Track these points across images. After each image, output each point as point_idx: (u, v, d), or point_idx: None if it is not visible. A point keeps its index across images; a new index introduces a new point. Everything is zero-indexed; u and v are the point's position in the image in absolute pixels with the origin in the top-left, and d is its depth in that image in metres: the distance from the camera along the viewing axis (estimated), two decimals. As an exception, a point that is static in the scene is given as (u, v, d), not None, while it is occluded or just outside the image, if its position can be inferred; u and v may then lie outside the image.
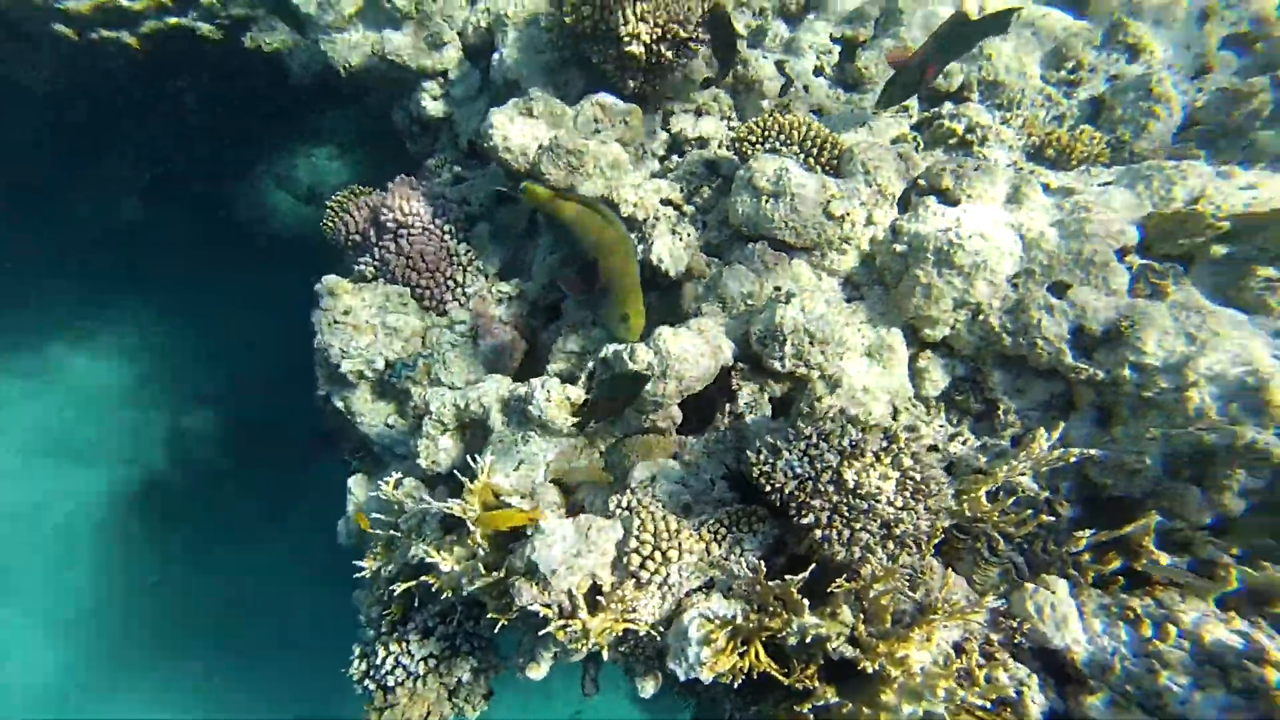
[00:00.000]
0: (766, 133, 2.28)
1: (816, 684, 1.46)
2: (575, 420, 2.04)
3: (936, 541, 1.63)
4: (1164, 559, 1.58)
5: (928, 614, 1.45)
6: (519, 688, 2.07)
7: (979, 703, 1.38)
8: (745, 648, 1.51)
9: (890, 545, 1.51)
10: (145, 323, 6.38)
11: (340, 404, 2.72)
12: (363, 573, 2.17)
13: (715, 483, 1.85)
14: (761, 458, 1.58)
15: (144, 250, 5.93)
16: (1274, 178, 1.92)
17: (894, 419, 1.97)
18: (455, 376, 2.56)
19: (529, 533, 1.85)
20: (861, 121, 2.45)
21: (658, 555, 1.65)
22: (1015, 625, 1.56)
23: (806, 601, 1.46)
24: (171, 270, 6.06)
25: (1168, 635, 1.44)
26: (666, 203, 2.40)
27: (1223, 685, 1.33)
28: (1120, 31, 2.43)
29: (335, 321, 2.63)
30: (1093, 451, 1.72)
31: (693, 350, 1.91)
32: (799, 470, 1.53)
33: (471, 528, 1.91)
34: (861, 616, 1.49)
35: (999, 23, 2.21)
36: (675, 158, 2.61)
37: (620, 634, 1.66)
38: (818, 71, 2.70)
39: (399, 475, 2.32)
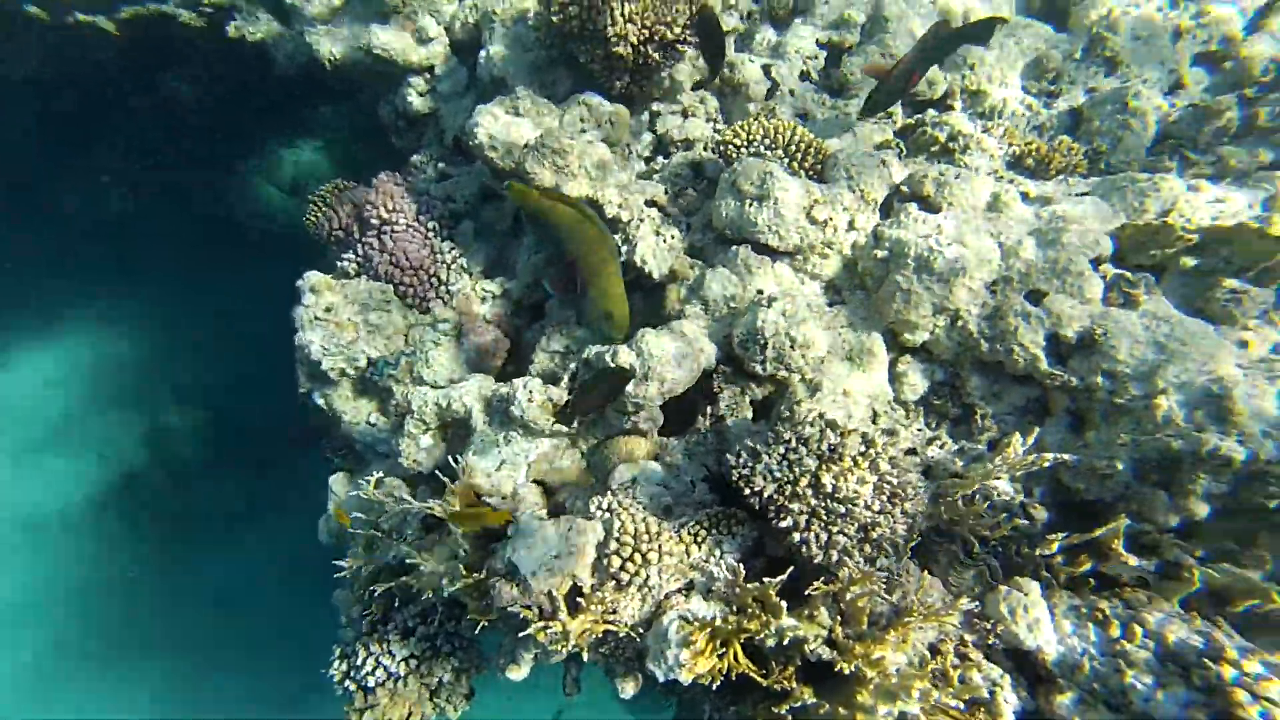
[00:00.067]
0: (751, 136, 2.30)
1: (794, 685, 1.48)
2: (558, 417, 2.04)
3: (913, 544, 1.66)
4: (1132, 561, 1.62)
5: (904, 616, 1.47)
6: (502, 685, 2.07)
7: (953, 703, 1.41)
8: (724, 649, 1.52)
9: (867, 548, 1.54)
10: (129, 317, 6.28)
11: (321, 402, 2.69)
12: (343, 573, 2.15)
13: (696, 485, 1.87)
14: (741, 461, 1.60)
15: (132, 243, 5.84)
16: (1239, 192, 1.98)
17: (873, 422, 2.00)
18: (438, 375, 2.55)
19: (509, 533, 1.85)
20: (846, 127, 2.47)
21: (638, 557, 1.65)
22: (989, 627, 1.59)
23: (785, 604, 1.48)
24: (159, 263, 5.97)
25: (1135, 635, 1.48)
26: (651, 204, 2.41)
27: (1184, 683, 1.37)
28: (1099, 45, 2.48)
29: (317, 318, 2.60)
30: (1066, 456, 1.76)
31: (675, 352, 1.91)
32: (778, 474, 1.54)
33: (452, 528, 1.90)
34: (839, 618, 1.51)
35: (981, 32, 2.25)
36: (661, 159, 2.61)
37: (600, 635, 1.67)
38: (804, 76, 2.72)
39: (380, 474, 2.31)
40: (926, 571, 1.70)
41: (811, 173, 2.25)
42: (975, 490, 1.72)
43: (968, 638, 1.56)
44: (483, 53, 2.90)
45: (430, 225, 2.73)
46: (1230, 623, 1.50)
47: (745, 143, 2.29)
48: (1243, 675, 1.30)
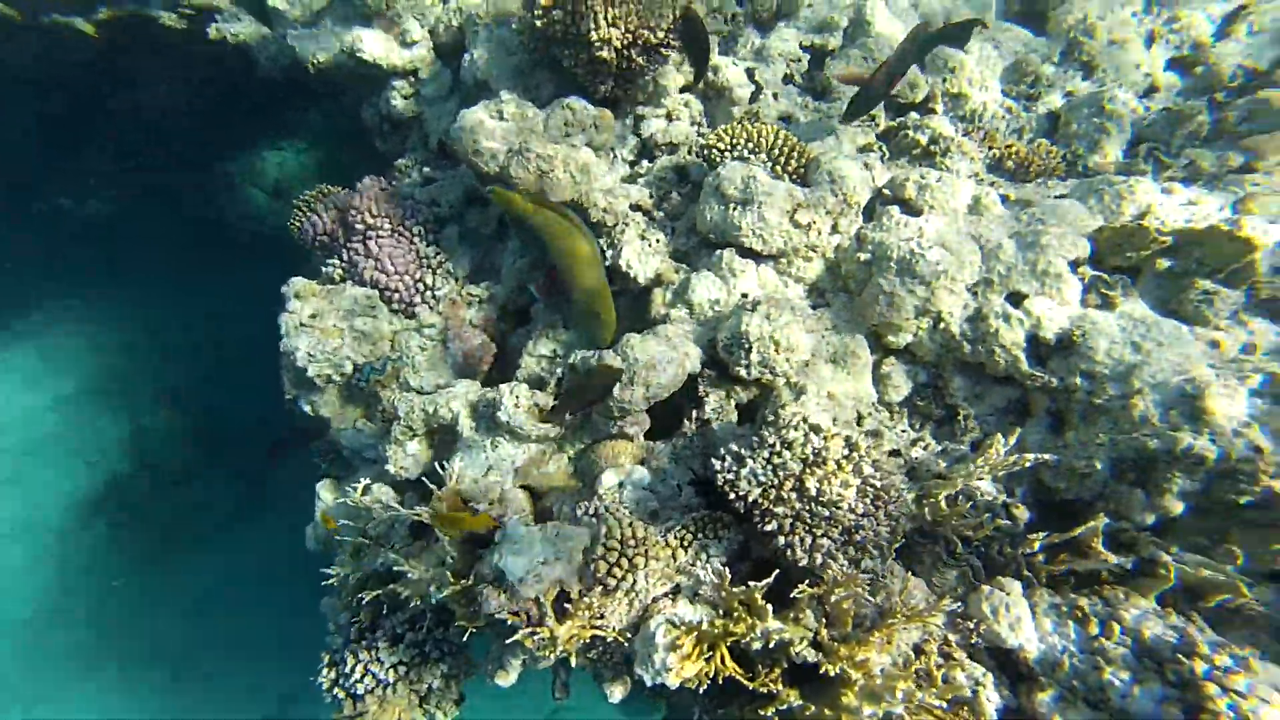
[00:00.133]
0: (735, 140, 2.31)
1: (780, 687, 1.49)
2: (546, 416, 2.05)
3: (897, 545, 1.68)
4: (1112, 559, 1.65)
5: (888, 617, 1.49)
6: (493, 689, 2.08)
7: (937, 703, 1.43)
8: (711, 653, 1.53)
9: (851, 551, 1.55)
10: (117, 320, 6.20)
11: (308, 408, 2.68)
12: (331, 580, 2.14)
13: (682, 488, 1.88)
14: (726, 465, 1.61)
15: (121, 245, 5.78)
16: (1210, 195, 2.02)
17: (858, 424, 2.02)
18: (424, 380, 2.54)
19: (496, 539, 1.85)
20: (829, 130, 2.49)
21: (625, 562, 1.66)
22: (972, 626, 1.61)
23: (770, 607, 1.49)
24: (149, 266, 5.91)
25: (1113, 633, 1.51)
26: (636, 208, 2.41)
27: (1159, 679, 1.40)
28: (1076, 49, 2.52)
29: (302, 324, 2.59)
30: (1046, 456, 1.79)
31: (660, 357, 1.92)
32: (762, 478, 1.56)
33: (437, 532, 1.90)
34: (824, 621, 1.53)
35: (960, 34, 2.28)
36: (645, 163, 2.62)
37: (588, 640, 1.68)
38: (787, 79, 2.74)
39: (367, 481, 2.30)
40: (910, 572, 1.72)
41: (795, 176, 2.27)
42: (958, 491, 1.74)
43: (951, 637, 1.59)
44: (466, 56, 2.89)
45: (415, 230, 2.71)
46: (1204, 617, 1.54)
47: (729, 147, 2.30)
48: (1213, 669, 1.33)
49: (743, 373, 1.93)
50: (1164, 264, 1.91)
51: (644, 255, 2.28)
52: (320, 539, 2.55)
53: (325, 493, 2.65)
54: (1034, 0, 2.78)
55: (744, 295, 2.11)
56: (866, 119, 2.54)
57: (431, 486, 1.97)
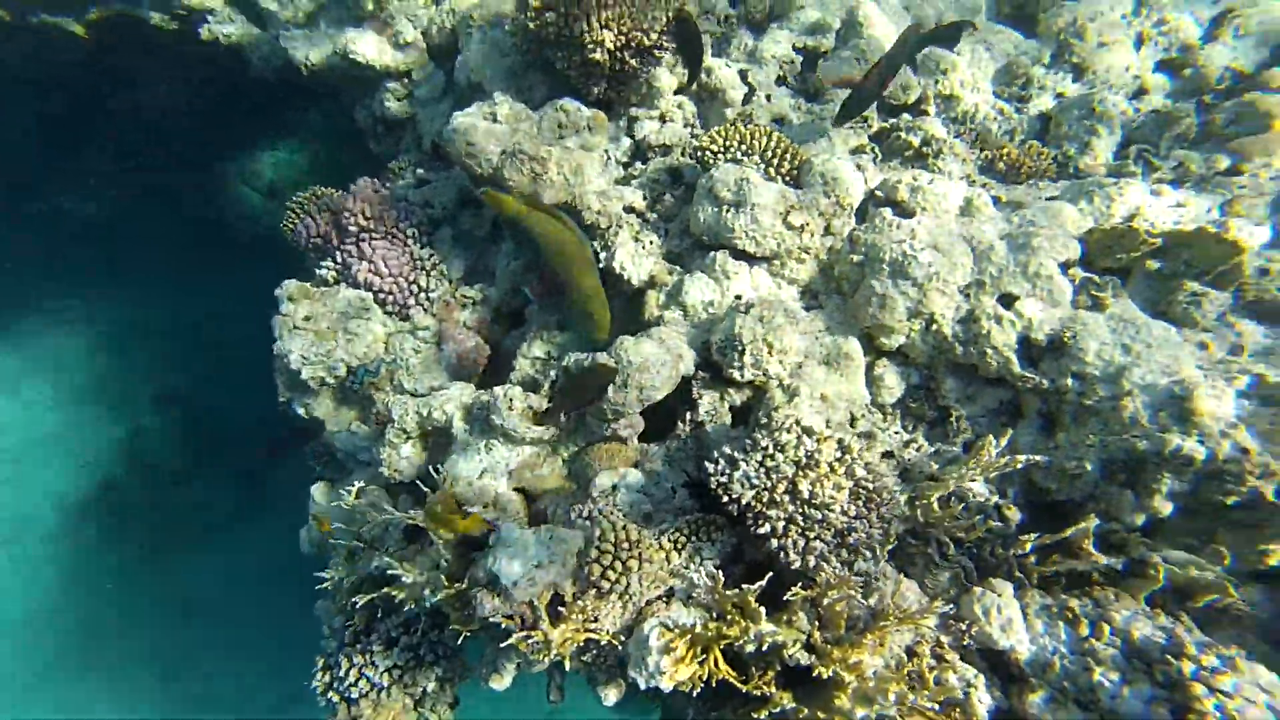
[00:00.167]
0: (728, 142, 2.31)
1: (773, 690, 1.50)
2: (542, 415, 2.05)
3: (890, 547, 1.69)
4: (1102, 560, 1.66)
5: (880, 620, 1.50)
6: (488, 691, 2.08)
7: (929, 705, 1.44)
8: (704, 656, 1.54)
9: (844, 553, 1.56)
10: (114, 320, 6.18)
11: (301, 411, 2.68)
12: (325, 584, 2.14)
13: (676, 490, 1.88)
14: (719, 468, 1.61)
15: (120, 245, 5.76)
16: (1198, 197, 2.03)
17: (852, 425, 2.02)
18: (418, 383, 2.54)
19: (490, 542, 1.85)
20: (822, 132, 2.49)
21: (619, 565, 1.66)
22: (964, 628, 1.62)
23: (764, 609, 1.50)
24: (146, 266, 5.89)
25: (1102, 634, 1.52)
26: (630, 210, 2.42)
27: (1148, 679, 1.41)
28: (1066, 51, 2.53)
29: (295, 327, 2.58)
30: (1038, 458, 1.80)
31: (654, 359, 1.93)
32: (755, 481, 1.56)
33: (431, 534, 1.90)
34: (817, 623, 1.53)
35: (950, 35, 2.30)
36: (639, 164, 2.62)
37: (582, 643, 1.68)
38: (780, 81, 2.74)
39: (362, 484, 2.30)
40: (903, 574, 1.72)
41: (788, 178, 2.27)
42: (951, 492, 1.75)
43: (943, 639, 1.60)
44: (460, 58, 2.88)
45: (409, 232, 2.71)
46: (1192, 617, 1.55)
47: (722, 148, 2.30)
48: (1200, 670, 1.34)
49: (736, 375, 1.93)
50: (1154, 265, 1.92)
51: (638, 257, 2.28)
52: (314, 542, 2.54)
53: (319, 495, 2.64)
54: (1024, 3, 2.80)
55: (738, 297, 2.12)
56: (859, 120, 2.55)
57: (426, 490, 1.97)
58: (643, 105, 2.66)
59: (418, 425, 2.30)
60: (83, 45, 4.15)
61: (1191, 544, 1.63)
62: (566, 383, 2.07)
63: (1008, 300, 1.97)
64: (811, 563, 1.54)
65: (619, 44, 2.37)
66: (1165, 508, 1.65)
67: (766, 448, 1.60)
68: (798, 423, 1.64)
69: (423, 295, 2.68)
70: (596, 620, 1.67)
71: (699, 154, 2.36)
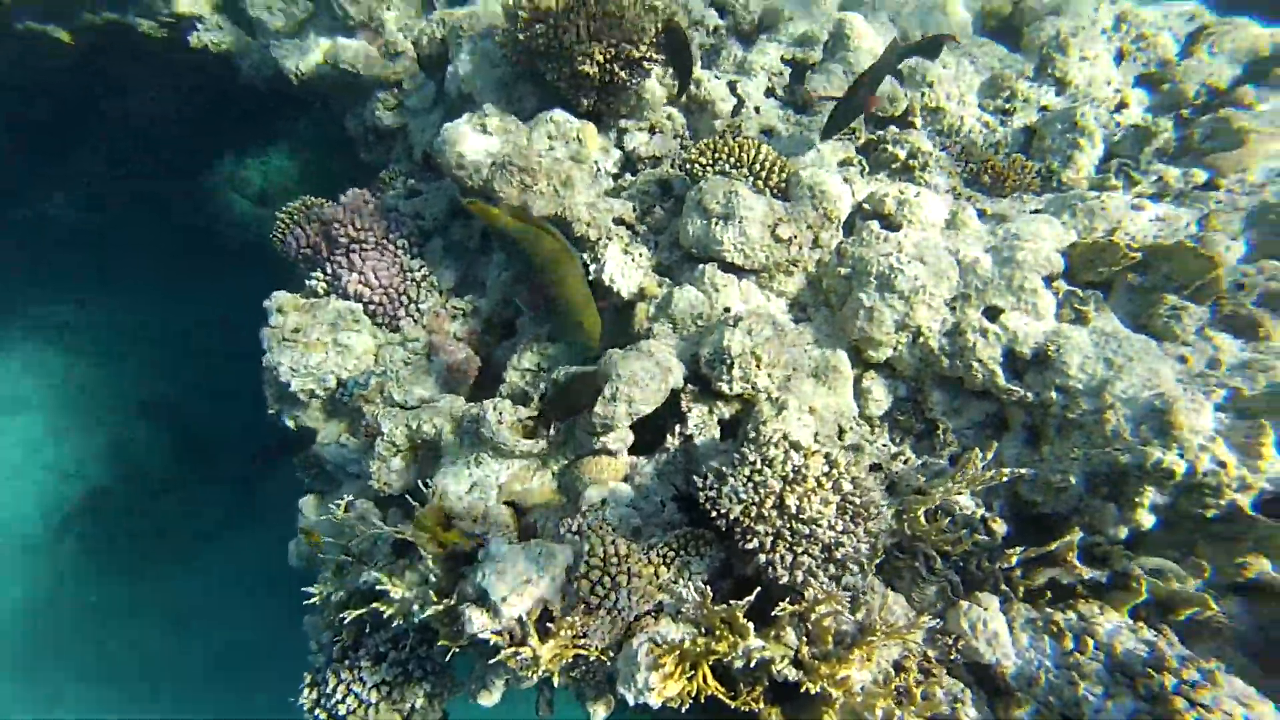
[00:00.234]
0: (717, 155, 2.32)
1: (762, 705, 1.50)
2: (536, 417, 2.05)
3: (877, 561, 1.70)
4: (1086, 573, 1.68)
5: (867, 635, 1.51)
6: (478, 707, 2.07)
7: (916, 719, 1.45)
8: (693, 671, 1.54)
9: (832, 568, 1.57)
10: (102, 327, 6.12)
11: (291, 423, 2.66)
12: (313, 599, 2.13)
13: (665, 504, 1.89)
14: (708, 483, 1.62)
15: (109, 252, 5.72)
16: (1178, 211, 2.06)
17: (840, 438, 2.04)
18: (408, 395, 2.53)
19: (479, 557, 1.85)
20: (810, 145, 2.51)
21: (608, 580, 1.67)
22: (951, 642, 1.63)
23: (752, 625, 1.50)
24: (135, 272, 5.84)
25: (1087, 647, 1.54)
26: (619, 222, 2.42)
27: (1131, 693, 1.43)
28: (1049, 65, 2.57)
29: (284, 339, 2.57)
30: (1023, 471, 1.82)
31: (643, 373, 1.93)
32: (743, 496, 1.57)
33: (422, 551, 1.90)
34: (805, 638, 1.54)
35: (931, 47, 2.34)
36: (629, 175, 2.63)
37: (571, 659, 1.68)
38: (769, 93, 2.76)
39: (351, 497, 2.29)
40: (890, 588, 1.74)
41: (776, 191, 2.29)
42: (937, 506, 1.77)
43: (931, 653, 1.61)
44: (450, 68, 2.89)
45: (399, 243, 2.71)
46: (1174, 630, 1.57)
47: (711, 161, 2.31)
48: (1181, 683, 1.36)
49: (725, 388, 1.94)
50: (1135, 279, 1.95)
51: (627, 269, 2.29)
52: (303, 556, 2.53)
53: (308, 509, 2.63)
54: (1009, 17, 2.83)
55: (726, 310, 2.13)
56: (846, 132, 2.57)
57: (415, 504, 1.96)
58: (632, 117, 2.68)
59: (407, 438, 2.29)
60: (70, 52, 4.13)
61: (1173, 557, 1.65)
62: (556, 393, 2.07)
63: (993, 313, 1.99)
64: (799, 578, 1.55)
65: (608, 56, 2.38)
66: (1147, 520, 1.67)
67: (754, 462, 1.61)
68: (785, 437, 1.65)
69: (413, 307, 2.67)
70: (585, 636, 1.67)
71: (688, 166, 2.37)
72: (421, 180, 3.03)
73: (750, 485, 1.59)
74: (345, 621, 2.08)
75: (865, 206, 2.26)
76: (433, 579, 1.89)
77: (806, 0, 2.88)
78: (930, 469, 1.95)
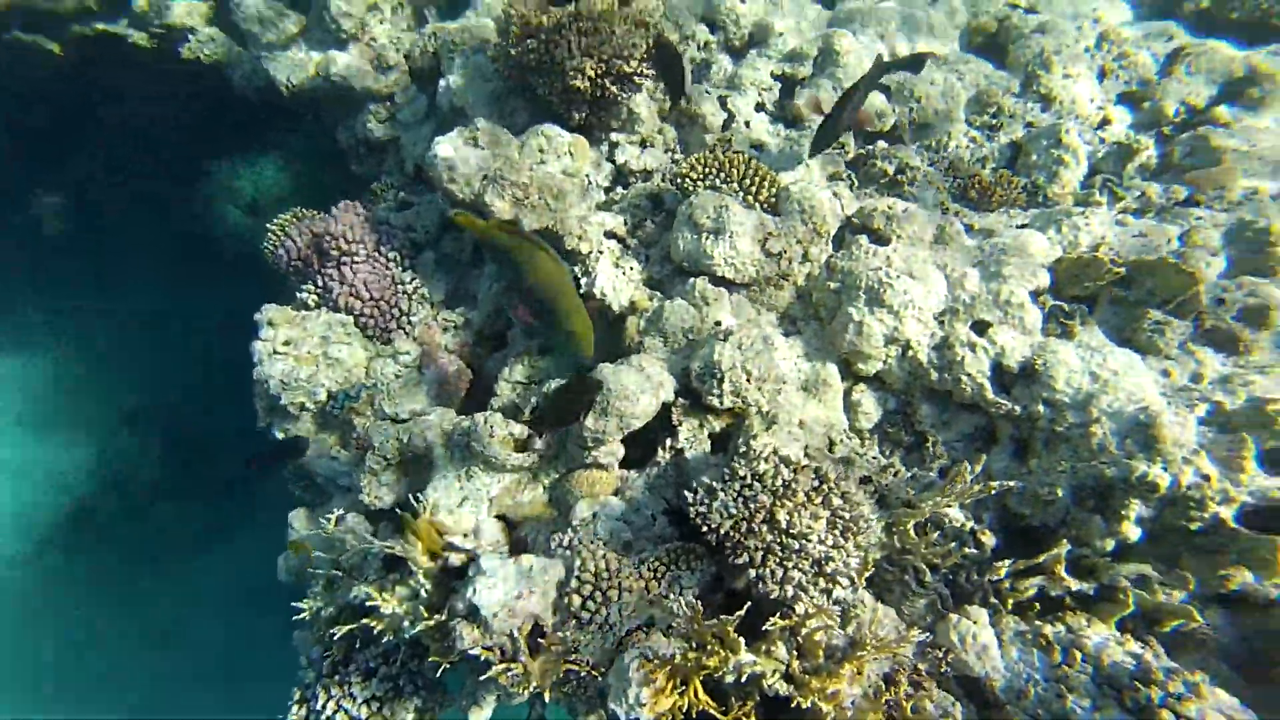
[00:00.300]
0: (707, 169, 2.34)
1: (753, 720, 1.50)
2: (522, 443, 2.05)
3: (867, 575, 1.70)
4: (1074, 585, 1.69)
5: (858, 649, 1.51)
6: None
7: (906, 732, 1.46)
8: (684, 687, 1.54)
9: (822, 582, 1.57)
10: (96, 335, 6.06)
11: (281, 436, 2.65)
12: (303, 614, 2.11)
13: (656, 518, 1.89)
14: (698, 498, 1.63)
15: (107, 259, 5.68)
16: (1160, 227, 2.10)
17: (830, 450, 2.05)
18: (400, 407, 2.53)
19: (470, 573, 1.85)
20: (799, 159, 2.54)
21: (599, 595, 1.67)
22: (941, 655, 1.64)
23: (743, 640, 1.51)
24: (131, 279, 5.80)
25: (1075, 660, 1.55)
26: (611, 235, 2.44)
27: (1118, 705, 1.44)
28: (1034, 82, 2.61)
29: (275, 352, 2.56)
30: (1011, 484, 1.84)
31: (635, 387, 1.94)
32: (734, 511, 1.58)
33: (413, 567, 1.89)
34: (795, 652, 1.54)
35: (914, 63, 2.39)
36: (620, 189, 2.65)
37: (562, 675, 1.67)
38: (759, 107, 2.79)
39: (341, 511, 2.27)
40: (880, 601, 1.74)
41: (766, 205, 2.31)
42: (927, 519, 1.78)
43: (921, 666, 1.61)
44: (442, 81, 2.90)
45: (391, 255, 2.71)
46: (1160, 641, 1.58)
47: (701, 175, 2.33)
48: (1168, 696, 1.38)
49: (715, 402, 1.95)
50: (1120, 294, 1.98)
51: (618, 283, 2.30)
52: (292, 570, 2.51)
53: (298, 522, 2.61)
54: (994, 34, 2.88)
55: (717, 324, 2.14)
56: (836, 147, 2.60)
57: (405, 516, 1.95)
58: (624, 130, 2.70)
59: (398, 452, 2.28)
60: (62, 62, 4.13)
61: (1158, 569, 1.67)
62: (547, 403, 2.07)
63: (981, 327, 2.01)
64: (790, 592, 1.55)
65: (599, 71, 2.40)
66: (1134, 533, 1.69)
67: (745, 477, 1.61)
68: (775, 452, 1.66)
69: (404, 319, 2.67)
70: (576, 651, 1.67)
71: (679, 180, 2.39)
72: (413, 193, 3.04)
73: (740, 500, 1.60)
74: (335, 637, 2.07)
75: (854, 221, 2.29)
76: (423, 594, 1.88)
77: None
78: (920, 482, 1.96)
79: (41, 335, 6.04)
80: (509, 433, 2.10)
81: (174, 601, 5.30)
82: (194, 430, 5.72)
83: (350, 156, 3.52)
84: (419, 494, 2.10)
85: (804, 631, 1.53)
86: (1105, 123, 2.50)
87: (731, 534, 1.59)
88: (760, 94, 2.81)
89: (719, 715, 1.52)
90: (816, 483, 1.61)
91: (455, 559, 1.91)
